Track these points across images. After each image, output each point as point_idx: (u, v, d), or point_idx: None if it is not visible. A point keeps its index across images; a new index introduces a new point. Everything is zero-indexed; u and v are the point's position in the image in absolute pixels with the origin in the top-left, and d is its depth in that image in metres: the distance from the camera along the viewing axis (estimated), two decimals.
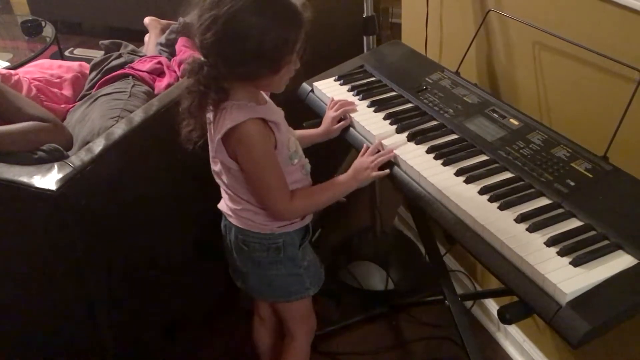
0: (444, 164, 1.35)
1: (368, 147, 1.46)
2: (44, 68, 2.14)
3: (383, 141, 1.45)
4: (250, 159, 1.29)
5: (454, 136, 1.44)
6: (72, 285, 1.49)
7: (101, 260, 1.48)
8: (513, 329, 1.97)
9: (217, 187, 1.46)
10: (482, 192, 1.26)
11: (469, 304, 2.10)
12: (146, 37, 2.57)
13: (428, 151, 1.40)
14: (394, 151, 1.42)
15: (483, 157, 1.36)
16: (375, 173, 1.41)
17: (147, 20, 2.59)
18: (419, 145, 1.43)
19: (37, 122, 1.65)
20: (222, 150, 1.30)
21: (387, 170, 1.41)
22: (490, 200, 1.24)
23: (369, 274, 2.25)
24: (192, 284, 1.89)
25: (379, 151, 1.44)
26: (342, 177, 1.43)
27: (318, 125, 1.61)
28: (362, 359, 2.01)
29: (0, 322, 1.68)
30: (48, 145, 1.55)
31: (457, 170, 1.33)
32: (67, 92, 2.07)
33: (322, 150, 1.60)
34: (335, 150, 2.40)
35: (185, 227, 1.77)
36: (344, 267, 2.25)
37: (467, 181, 1.30)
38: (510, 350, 1.99)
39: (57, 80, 2.08)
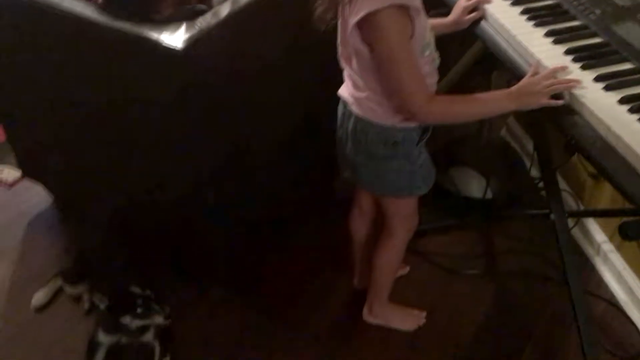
0: (583, 68, 1.26)
1: (538, 68, 1.27)
2: None
3: (516, 35, 1.35)
4: (385, 50, 1.21)
5: (598, 39, 1.33)
6: (184, 146, 1.55)
7: (213, 127, 1.52)
8: (614, 255, 1.90)
9: (336, 73, 1.41)
10: (622, 101, 1.17)
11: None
12: None
13: (566, 53, 1.30)
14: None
15: (627, 65, 1.25)
16: (547, 100, 1.21)
17: None
18: (556, 45, 1.32)
19: None
20: (355, 34, 1.23)
21: (562, 101, 1.21)
22: (631, 111, 1.14)
23: (468, 180, 2.21)
24: (293, 169, 1.92)
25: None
26: (498, 93, 1.29)
27: (445, 15, 1.52)
28: (449, 262, 2.01)
29: (113, 171, 1.79)
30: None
31: (597, 77, 1.23)
32: None
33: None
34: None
35: (296, 110, 1.77)
36: (445, 171, 2.22)
37: (606, 88, 1.20)
38: (607, 276, 1.93)
39: None
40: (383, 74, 1.26)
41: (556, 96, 1.22)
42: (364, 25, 1.20)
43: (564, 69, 1.25)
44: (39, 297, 1.85)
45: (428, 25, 1.31)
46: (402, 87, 1.24)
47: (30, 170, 2.14)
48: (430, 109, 1.27)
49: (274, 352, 1.75)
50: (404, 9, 1.19)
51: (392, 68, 1.23)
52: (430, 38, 1.33)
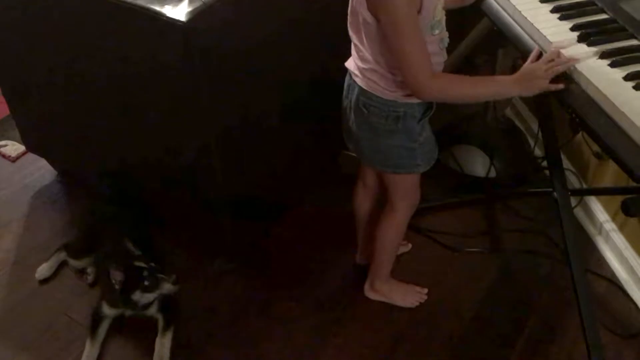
0: (589, 45, 1.25)
1: (540, 53, 1.28)
2: None
3: (522, 11, 1.34)
4: (391, 22, 1.20)
5: (604, 16, 1.32)
6: (190, 118, 1.55)
7: (219, 99, 1.52)
8: (616, 235, 1.90)
9: (344, 45, 1.40)
10: (627, 78, 1.16)
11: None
12: None
13: (572, 29, 1.29)
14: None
15: (634, 42, 1.24)
16: (547, 85, 1.22)
17: None
18: (562, 22, 1.32)
19: None
20: (362, 3, 1.23)
21: (562, 85, 1.21)
22: (636, 87, 1.14)
23: (472, 158, 2.20)
24: (298, 141, 1.92)
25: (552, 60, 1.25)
26: (502, 77, 1.30)
27: None
28: (451, 239, 2.01)
29: (116, 139, 1.79)
30: None
31: (602, 53, 1.22)
32: None
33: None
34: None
35: (302, 82, 1.76)
36: (448, 149, 2.21)
37: (612, 65, 1.19)
38: (608, 255, 1.93)
39: None
40: (388, 47, 1.26)
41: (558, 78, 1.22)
42: None
43: (559, 54, 1.24)
44: (42, 270, 1.87)
45: (439, 4, 1.29)
46: (406, 62, 1.23)
47: (34, 144, 2.15)
48: (433, 86, 1.27)
49: (276, 323, 1.77)
50: None
51: (398, 41, 1.22)
52: (441, 16, 1.31)
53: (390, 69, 1.32)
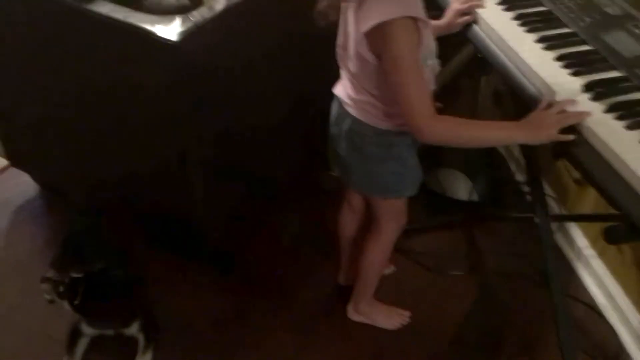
0: (573, 75, 1.28)
1: (550, 103, 1.22)
2: None
3: (507, 40, 1.37)
4: (395, 63, 1.18)
5: (586, 47, 1.35)
6: (173, 135, 1.56)
7: (208, 117, 1.52)
8: (595, 261, 1.93)
9: (333, 68, 1.41)
10: (609, 109, 1.19)
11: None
12: None
13: (556, 59, 1.32)
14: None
15: (615, 74, 1.28)
16: (557, 135, 1.17)
17: None
18: (546, 52, 1.35)
19: None
20: (362, 43, 1.22)
21: (573, 136, 1.17)
22: (617, 118, 1.17)
23: (455, 182, 2.23)
24: (281, 156, 1.93)
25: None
26: (507, 122, 1.25)
27: (439, 17, 1.54)
28: (433, 261, 2.03)
29: (97, 162, 1.79)
30: None
31: (587, 84, 1.25)
32: None
33: None
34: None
35: (287, 99, 1.77)
36: (431, 172, 2.24)
37: (594, 97, 1.22)
38: (587, 281, 1.96)
39: None
40: (390, 85, 1.23)
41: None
42: (373, 34, 1.18)
43: (573, 102, 1.21)
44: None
45: (432, 36, 1.30)
46: (408, 101, 1.20)
47: (17, 159, 2.13)
48: (436, 128, 1.23)
49: (256, 335, 1.77)
50: (414, 20, 1.17)
51: (401, 80, 1.19)
52: (433, 46, 1.33)
53: (385, 102, 1.32)
